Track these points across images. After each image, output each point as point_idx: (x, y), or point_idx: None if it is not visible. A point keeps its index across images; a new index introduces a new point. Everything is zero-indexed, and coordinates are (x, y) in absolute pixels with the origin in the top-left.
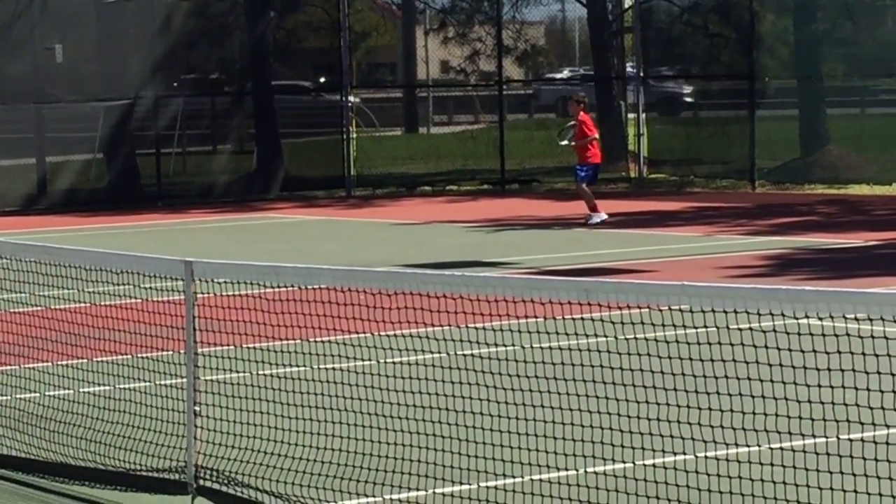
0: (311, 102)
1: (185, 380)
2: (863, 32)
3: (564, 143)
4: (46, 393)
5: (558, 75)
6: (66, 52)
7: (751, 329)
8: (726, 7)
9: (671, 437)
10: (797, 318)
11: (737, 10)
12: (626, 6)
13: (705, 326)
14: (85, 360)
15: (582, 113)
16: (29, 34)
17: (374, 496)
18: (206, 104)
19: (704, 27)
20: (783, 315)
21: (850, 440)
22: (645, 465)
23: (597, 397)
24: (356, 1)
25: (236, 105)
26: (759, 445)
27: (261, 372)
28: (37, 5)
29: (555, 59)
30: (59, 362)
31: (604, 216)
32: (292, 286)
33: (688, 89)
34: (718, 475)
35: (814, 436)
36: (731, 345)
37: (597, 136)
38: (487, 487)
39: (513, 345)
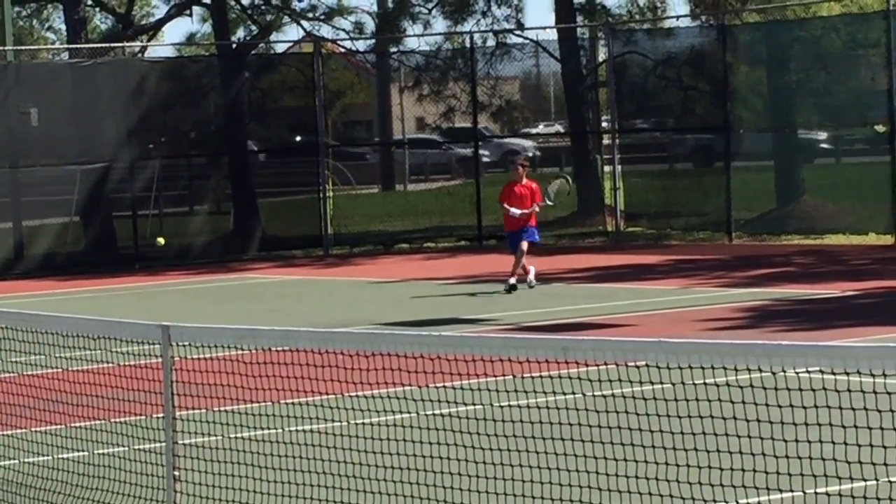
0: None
1: (163, 444)
2: (836, 83)
3: (550, 203)
4: (24, 460)
5: (534, 130)
6: (42, 116)
7: (727, 384)
8: (699, 59)
9: (650, 494)
10: (774, 373)
11: (710, 63)
12: (600, 60)
13: (682, 382)
14: (62, 426)
15: (525, 178)
16: (4, 98)
17: None
18: (183, 165)
19: (678, 80)
20: (760, 370)
21: (829, 494)
22: None
23: (574, 455)
24: (330, 60)
25: (212, 166)
26: (737, 501)
27: (238, 435)
28: (11, 69)
29: (530, 114)
30: (36, 429)
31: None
32: (270, 349)
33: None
34: None
35: (791, 490)
36: (709, 400)
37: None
38: None
39: (490, 403)
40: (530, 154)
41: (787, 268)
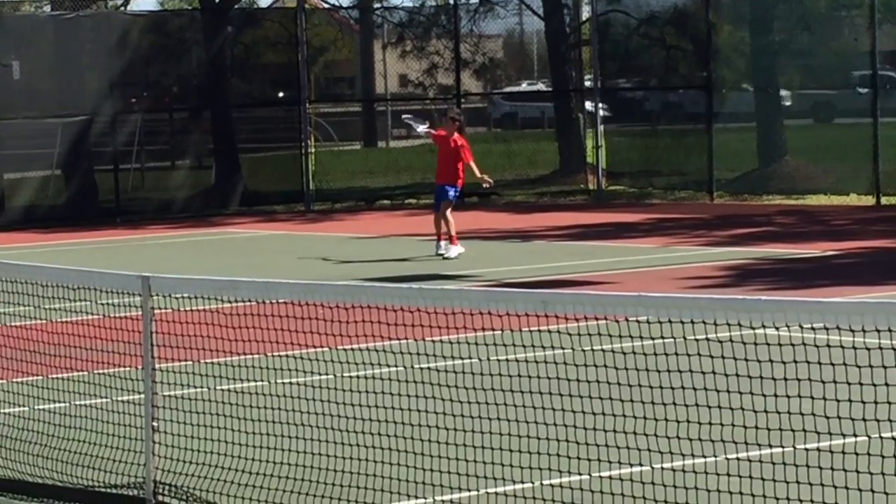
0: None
1: (142, 395)
2: (819, 44)
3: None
4: (1, 410)
5: (516, 88)
6: (23, 69)
7: (707, 339)
8: (683, 19)
9: (628, 448)
10: (754, 328)
11: (693, 22)
12: (584, 19)
13: (662, 337)
14: (41, 378)
15: (457, 133)
16: None
17: None
18: (165, 120)
19: (662, 39)
20: (740, 325)
21: (807, 450)
22: (601, 476)
23: (553, 409)
24: (314, 15)
25: (194, 121)
26: (716, 456)
27: (219, 387)
28: None
29: (513, 72)
30: (14, 379)
31: (461, 250)
32: (250, 301)
33: None
34: (675, 486)
35: (770, 446)
36: (689, 355)
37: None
38: (443, 501)
39: (470, 357)
40: (458, 109)
41: (769, 227)
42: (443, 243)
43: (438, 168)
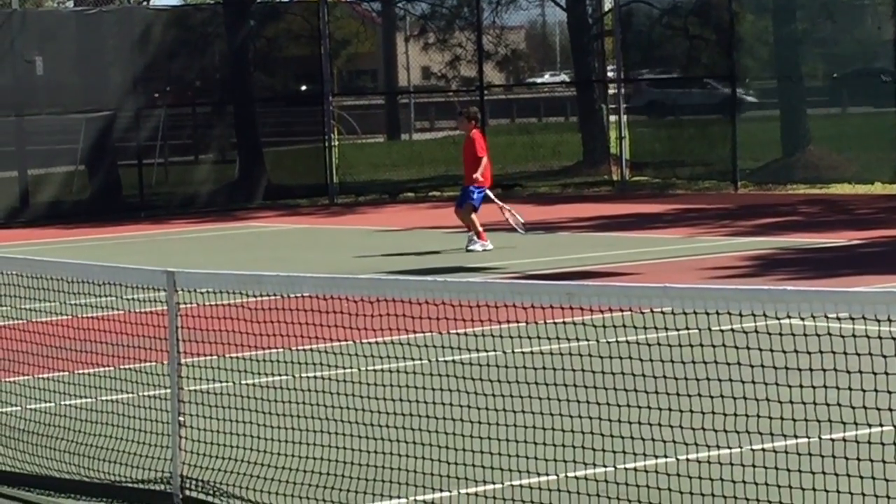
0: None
1: (168, 390)
2: (842, 32)
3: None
4: (28, 406)
5: (539, 80)
6: (47, 65)
7: (733, 330)
8: (706, 8)
9: (653, 440)
10: (779, 319)
11: (716, 12)
12: (606, 9)
13: (687, 328)
14: (66, 373)
15: (475, 130)
16: (9, 46)
17: None
18: (188, 114)
19: (684, 29)
20: (765, 316)
21: (833, 440)
22: (626, 468)
23: (578, 402)
24: (336, 8)
25: (217, 115)
26: (741, 447)
27: (244, 381)
28: (17, 18)
29: (536, 64)
30: (40, 375)
31: (489, 245)
32: (275, 295)
33: None
34: (700, 478)
35: (796, 436)
36: (714, 346)
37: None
38: (468, 494)
39: (494, 350)
40: (474, 107)
41: (793, 217)
42: (471, 234)
43: (465, 168)
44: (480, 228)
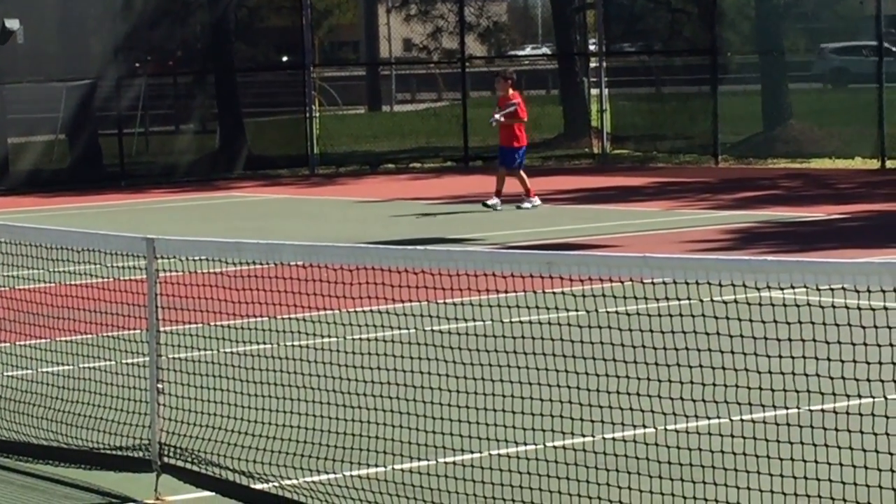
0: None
1: (147, 358)
2: (824, 7)
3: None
4: (6, 374)
5: (521, 52)
6: (28, 33)
7: (713, 301)
8: None
9: (632, 410)
10: (759, 290)
11: None
12: None
13: (667, 299)
14: (46, 340)
15: (512, 90)
16: None
17: (335, 472)
18: (169, 84)
19: (666, 2)
20: (745, 286)
21: (812, 411)
22: (605, 438)
23: (558, 371)
24: None
25: (199, 84)
26: (720, 417)
27: (224, 349)
28: None
29: (517, 36)
30: (20, 342)
31: (537, 202)
32: (254, 263)
33: None
34: (679, 448)
35: (775, 407)
36: (693, 317)
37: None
38: (447, 463)
39: (475, 319)
40: (512, 69)
41: (773, 191)
42: (528, 201)
43: (501, 129)
44: (529, 186)
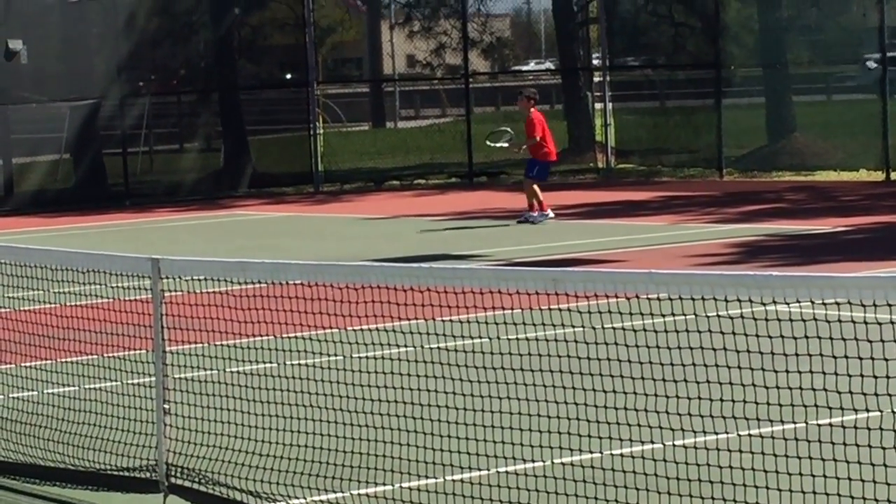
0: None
1: (153, 378)
2: (827, 19)
3: (499, 145)
4: (11, 395)
5: (524, 67)
6: (31, 53)
7: (719, 316)
8: None
9: (640, 426)
10: (765, 304)
11: None
12: None
13: (673, 314)
14: (51, 362)
15: (534, 110)
16: None
17: (342, 491)
18: (173, 103)
19: (669, 16)
20: (751, 301)
21: (820, 425)
22: (613, 454)
23: (564, 388)
24: None
25: (202, 103)
26: (727, 433)
27: (230, 369)
28: (0, 6)
29: (521, 52)
30: (24, 364)
31: (550, 214)
32: (260, 282)
33: None
34: (687, 463)
35: (782, 422)
36: (700, 332)
37: (544, 135)
38: (454, 481)
39: (480, 337)
40: (533, 88)
41: (778, 204)
42: (544, 212)
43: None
44: (535, 202)
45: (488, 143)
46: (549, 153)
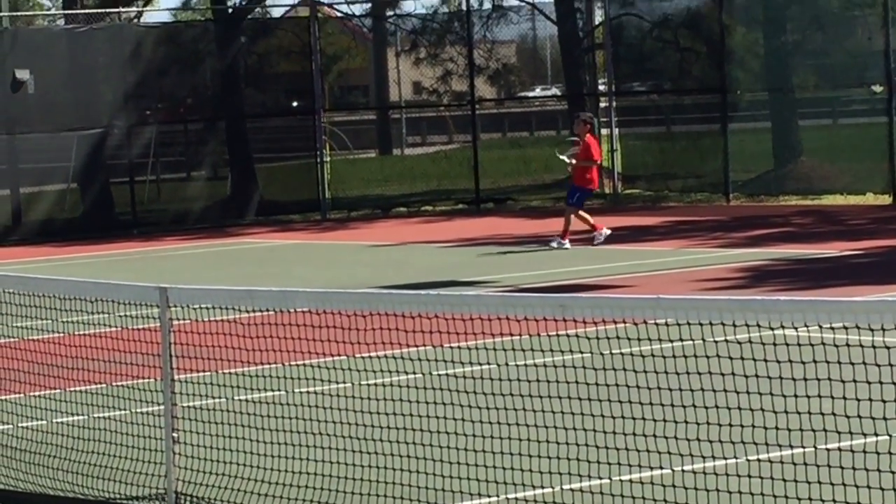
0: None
1: (162, 407)
2: (833, 43)
3: (563, 157)
4: (20, 424)
5: (531, 94)
6: (38, 83)
7: (726, 341)
8: (696, 21)
9: (648, 451)
10: (773, 329)
11: (707, 24)
12: (597, 23)
13: (681, 340)
14: (59, 391)
15: (589, 135)
16: (0, 65)
17: None
18: (180, 131)
19: (675, 42)
20: (758, 326)
21: (828, 450)
22: (622, 480)
23: (573, 413)
24: (327, 24)
25: (209, 131)
26: (736, 457)
27: (237, 397)
28: (7, 35)
29: (527, 78)
30: (33, 393)
31: (606, 233)
32: (267, 310)
33: None
34: (696, 489)
35: (791, 446)
36: (707, 357)
37: (600, 161)
38: None
39: (488, 363)
40: (590, 113)
41: (785, 228)
42: (566, 242)
43: (575, 169)
44: (568, 228)
45: (556, 153)
46: (593, 181)
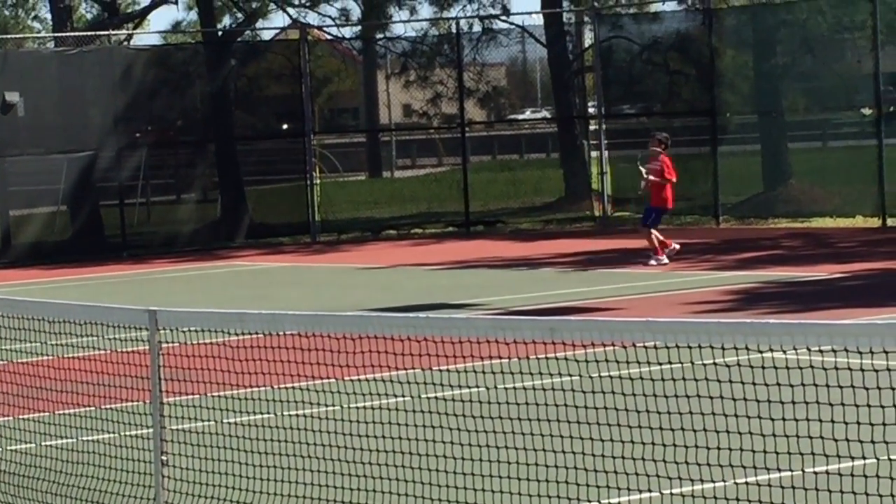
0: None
1: (151, 430)
2: (822, 66)
3: (643, 169)
4: (8, 448)
5: (520, 116)
6: (28, 105)
7: (715, 364)
8: (686, 44)
9: (637, 474)
10: (762, 352)
11: (696, 47)
12: (586, 46)
13: (670, 363)
14: (48, 414)
15: (663, 154)
16: None
17: None
18: (169, 154)
19: (665, 64)
20: (748, 349)
21: (816, 473)
22: (611, 503)
23: (561, 437)
24: (317, 47)
25: (199, 154)
26: (724, 481)
27: (226, 420)
28: None
29: (516, 100)
30: (21, 416)
31: (664, 259)
32: (257, 333)
33: None
34: None
35: (779, 469)
36: (697, 380)
37: (675, 180)
38: None
39: (477, 386)
40: (665, 133)
41: (775, 251)
42: (662, 257)
43: (652, 187)
44: (657, 245)
45: (638, 163)
46: (668, 199)
